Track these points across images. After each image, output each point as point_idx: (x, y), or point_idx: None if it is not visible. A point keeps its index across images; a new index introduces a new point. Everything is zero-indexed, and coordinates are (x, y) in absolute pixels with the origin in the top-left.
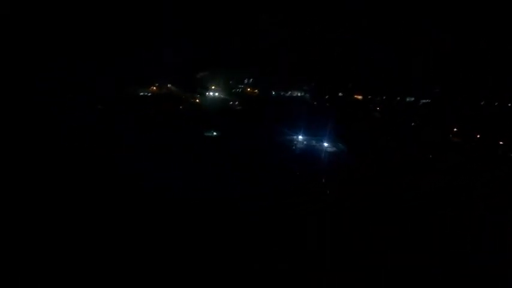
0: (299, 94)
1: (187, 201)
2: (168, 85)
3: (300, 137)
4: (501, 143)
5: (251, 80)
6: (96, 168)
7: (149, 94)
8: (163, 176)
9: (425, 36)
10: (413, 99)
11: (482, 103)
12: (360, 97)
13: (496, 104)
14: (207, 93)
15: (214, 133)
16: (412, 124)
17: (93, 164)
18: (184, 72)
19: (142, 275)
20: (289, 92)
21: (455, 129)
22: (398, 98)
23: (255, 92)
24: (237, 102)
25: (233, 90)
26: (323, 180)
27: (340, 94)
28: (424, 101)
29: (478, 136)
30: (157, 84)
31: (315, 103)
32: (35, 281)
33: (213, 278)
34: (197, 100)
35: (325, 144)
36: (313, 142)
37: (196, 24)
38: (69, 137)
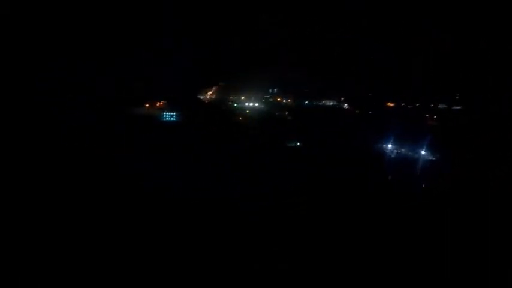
0: (331, 103)
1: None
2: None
3: (390, 146)
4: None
5: (275, 89)
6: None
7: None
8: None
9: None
10: (445, 106)
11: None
12: (392, 104)
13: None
14: (246, 104)
15: (298, 143)
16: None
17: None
18: (206, 81)
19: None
20: (322, 102)
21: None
22: (432, 105)
23: (289, 102)
24: (286, 113)
25: (266, 100)
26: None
27: (375, 103)
28: (456, 107)
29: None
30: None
31: (357, 112)
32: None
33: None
34: (247, 111)
35: (423, 153)
36: (403, 151)
37: (209, 30)
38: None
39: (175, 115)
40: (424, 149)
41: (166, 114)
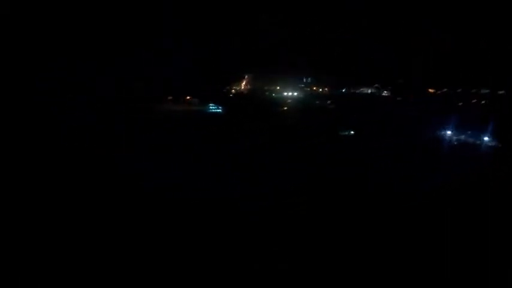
0: (369, 91)
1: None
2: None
3: (449, 132)
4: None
5: (309, 79)
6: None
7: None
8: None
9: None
10: (488, 91)
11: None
12: (432, 90)
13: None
14: (285, 93)
15: (351, 132)
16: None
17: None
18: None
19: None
20: (360, 89)
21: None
22: (474, 91)
23: (326, 90)
24: (329, 102)
25: (302, 89)
26: None
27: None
28: (500, 92)
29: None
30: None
31: (398, 99)
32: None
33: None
34: (288, 101)
35: (486, 139)
36: (463, 137)
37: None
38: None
39: (219, 107)
40: (487, 136)
41: (212, 106)
